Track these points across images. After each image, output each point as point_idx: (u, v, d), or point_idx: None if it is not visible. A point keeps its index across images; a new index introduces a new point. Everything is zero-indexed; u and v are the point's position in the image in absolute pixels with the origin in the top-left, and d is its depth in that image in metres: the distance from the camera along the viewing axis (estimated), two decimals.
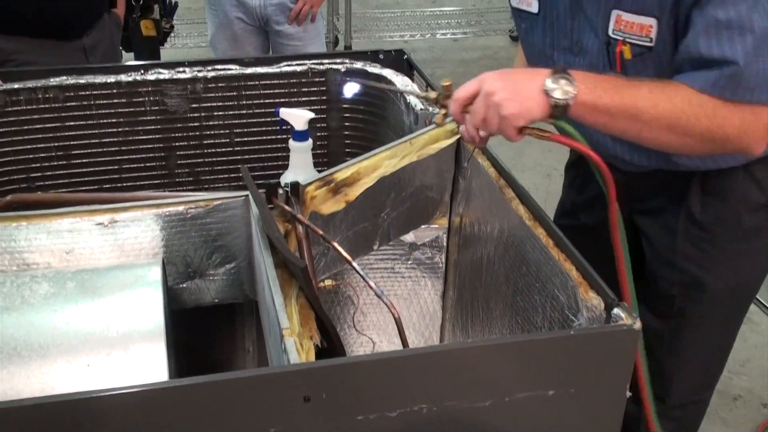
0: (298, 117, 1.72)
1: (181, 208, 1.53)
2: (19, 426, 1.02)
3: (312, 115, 1.73)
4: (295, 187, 1.57)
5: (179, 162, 2.26)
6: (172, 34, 4.24)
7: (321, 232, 1.47)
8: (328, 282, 1.52)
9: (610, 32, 1.45)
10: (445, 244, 2.03)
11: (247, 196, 1.57)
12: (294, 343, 1.17)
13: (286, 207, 1.51)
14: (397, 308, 1.87)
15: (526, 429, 1.17)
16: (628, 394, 1.27)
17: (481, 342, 1.19)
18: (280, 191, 1.55)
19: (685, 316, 1.72)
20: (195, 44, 4.74)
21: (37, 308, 1.29)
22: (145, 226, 1.52)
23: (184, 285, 1.62)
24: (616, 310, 1.24)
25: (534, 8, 1.61)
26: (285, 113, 1.72)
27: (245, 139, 2.27)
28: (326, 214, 1.60)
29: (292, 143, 1.74)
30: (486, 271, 1.79)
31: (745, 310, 1.78)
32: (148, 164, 2.23)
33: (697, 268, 1.65)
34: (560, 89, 1.27)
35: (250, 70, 2.19)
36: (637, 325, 1.22)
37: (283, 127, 1.72)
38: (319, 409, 1.13)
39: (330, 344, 1.26)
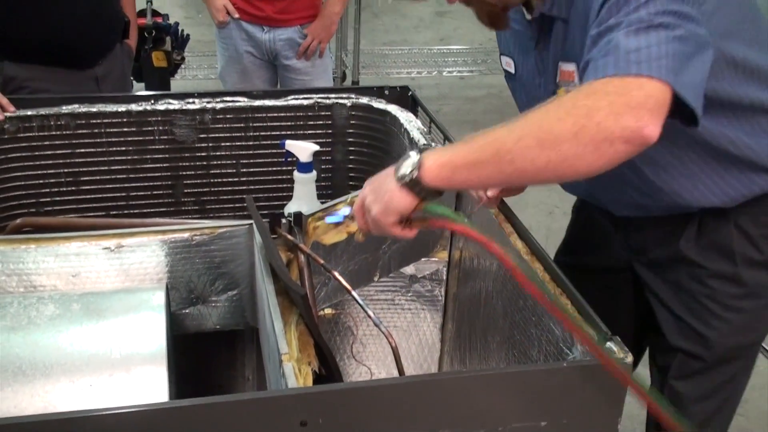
0: (303, 149, 1.76)
1: (186, 234, 1.57)
2: None
3: (316, 147, 1.77)
4: (298, 217, 1.61)
5: (186, 191, 2.30)
6: (182, 66, 4.33)
7: (322, 261, 1.50)
8: (328, 311, 1.55)
9: (557, 83, 1.50)
10: (444, 277, 2.06)
11: (251, 225, 1.61)
12: (292, 368, 1.19)
13: (289, 236, 1.55)
14: (396, 339, 1.89)
15: None
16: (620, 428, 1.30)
17: (475, 372, 1.21)
18: (284, 221, 1.59)
19: (690, 374, 1.68)
20: (205, 76, 4.82)
21: (43, 329, 1.32)
22: (150, 251, 1.56)
23: (187, 310, 1.65)
24: (608, 344, 1.27)
25: (512, 69, 1.66)
26: (290, 145, 1.76)
27: (251, 169, 2.31)
28: (328, 244, 1.64)
29: (296, 174, 1.78)
30: (484, 305, 1.82)
31: (751, 367, 1.73)
32: (155, 192, 2.28)
33: (699, 324, 1.62)
34: (406, 166, 1.22)
35: (257, 103, 2.24)
36: (629, 358, 1.25)
37: (289, 159, 1.76)
38: None
39: (328, 371, 1.29)
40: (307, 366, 1.24)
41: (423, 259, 2.01)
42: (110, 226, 1.61)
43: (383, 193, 1.25)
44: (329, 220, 1.52)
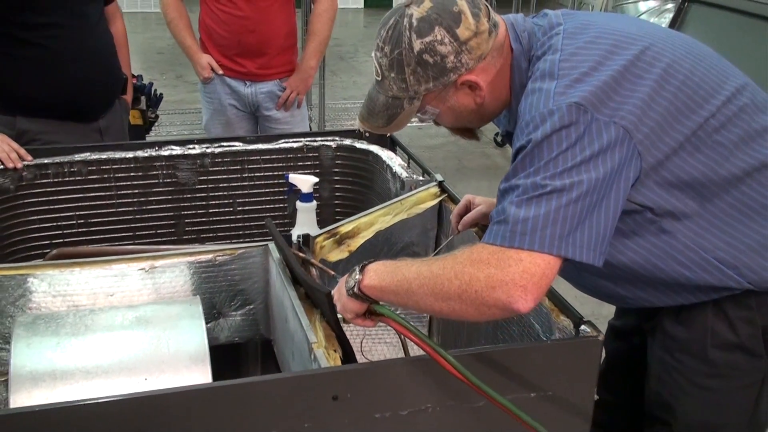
0: (305, 181, 2.00)
1: (210, 256, 1.79)
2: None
3: (316, 180, 2.01)
4: (306, 238, 1.84)
5: (187, 229, 2.51)
6: (156, 124, 4.56)
7: (333, 273, 1.73)
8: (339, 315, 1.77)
9: None
10: None
11: (266, 245, 1.83)
12: (323, 353, 1.42)
13: (301, 254, 1.78)
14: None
15: (515, 426, 1.41)
16: (596, 396, 1.54)
17: (474, 350, 1.43)
18: (294, 241, 1.83)
19: None
20: (178, 132, 5.05)
21: (100, 335, 1.53)
22: (179, 271, 1.77)
23: (209, 324, 1.85)
24: (583, 327, 1.51)
25: None
26: (293, 178, 2.00)
27: (246, 207, 2.54)
28: (333, 261, 1.87)
29: (299, 204, 2.01)
30: None
31: None
32: (159, 231, 2.48)
33: (667, 395, 1.60)
34: (351, 281, 1.43)
35: (252, 147, 2.48)
36: (601, 337, 1.49)
37: (293, 190, 1.99)
38: (344, 408, 1.37)
39: (346, 359, 1.51)
40: (334, 352, 1.46)
41: None
42: (141, 251, 1.82)
43: (341, 296, 1.46)
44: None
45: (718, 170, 1.39)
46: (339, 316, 1.53)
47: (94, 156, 2.35)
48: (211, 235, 2.54)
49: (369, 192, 2.55)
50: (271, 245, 1.83)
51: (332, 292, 1.52)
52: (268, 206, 2.56)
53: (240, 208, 2.54)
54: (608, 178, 1.29)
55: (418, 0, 1.44)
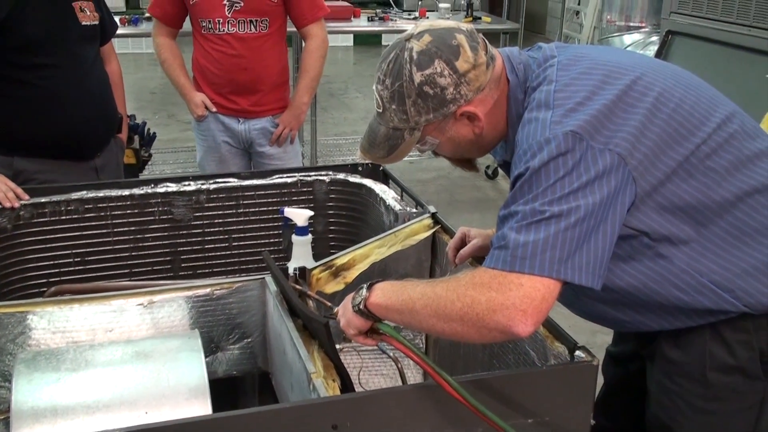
0: (300, 215, 2.03)
1: (207, 290, 1.81)
2: None
3: (311, 213, 2.03)
4: (303, 271, 1.86)
5: (183, 264, 2.53)
6: (149, 162, 4.59)
7: (330, 304, 1.75)
8: (339, 347, 1.78)
9: None
10: None
11: (263, 278, 1.85)
12: (322, 383, 1.43)
13: (297, 286, 1.80)
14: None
15: None
16: (592, 422, 1.55)
17: (472, 377, 1.45)
18: (291, 274, 1.85)
19: None
20: (172, 170, 5.08)
21: (100, 370, 1.54)
22: (177, 305, 1.79)
23: (207, 359, 1.86)
24: (577, 352, 1.54)
25: None
26: (288, 212, 2.02)
27: (241, 242, 2.56)
28: (329, 293, 1.89)
29: (294, 237, 2.04)
30: (464, 345, 2.08)
31: None
32: (155, 267, 2.50)
33: (667, 419, 1.61)
34: (357, 298, 1.47)
35: (246, 182, 2.51)
36: (595, 362, 1.52)
37: (289, 224, 2.02)
38: None
39: (344, 389, 1.52)
40: (332, 381, 1.48)
41: None
42: (138, 287, 1.84)
43: (346, 312, 1.51)
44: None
45: (712, 195, 1.43)
46: (338, 345, 1.56)
47: (91, 194, 2.37)
48: (207, 270, 2.56)
49: (363, 225, 2.58)
50: (268, 278, 1.86)
51: (337, 309, 1.56)
52: (263, 240, 2.58)
53: (236, 243, 2.56)
54: (605, 203, 1.33)
55: (417, 34, 1.49)
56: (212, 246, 2.54)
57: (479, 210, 5.10)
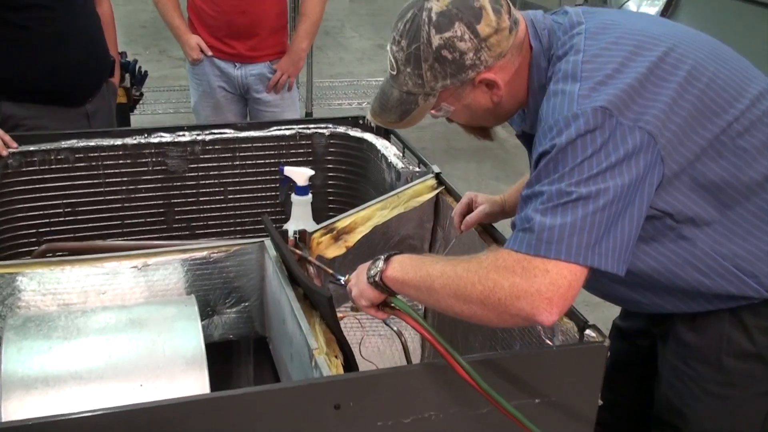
0: (300, 174, 1.95)
1: (204, 253, 1.74)
2: None
3: (312, 172, 1.96)
4: (303, 234, 1.80)
5: (176, 217, 2.46)
6: (141, 102, 4.48)
7: (331, 271, 1.69)
8: (340, 315, 1.73)
9: None
10: None
11: (261, 242, 1.79)
12: (324, 360, 1.38)
13: (298, 251, 1.74)
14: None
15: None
16: (600, 402, 1.51)
17: (479, 356, 1.40)
18: (291, 237, 1.78)
19: None
20: (163, 110, 4.96)
21: (93, 338, 1.48)
22: (172, 269, 1.72)
23: (203, 322, 1.81)
24: (588, 331, 1.49)
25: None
26: (289, 171, 1.95)
27: (237, 195, 2.49)
28: (330, 258, 1.83)
29: (294, 197, 1.97)
30: None
31: None
32: (148, 219, 2.43)
33: (678, 401, 1.57)
34: (374, 269, 1.41)
35: (243, 134, 2.42)
36: (606, 342, 1.47)
37: (287, 184, 1.95)
38: (347, 416, 1.34)
39: (347, 364, 1.48)
40: (335, 358, 1.42)
41: None
42: (133, 248, 1.77)
43: (360, 282, 1.45)
44: (339, 284, 1.68)
45: (740, 176, 1.36)
46: (341, 314, 1.50)
47: (82, 143, 2.29)
48: (201, 223, 2.49)
49: (363, 181, 2.51)
50: (267, 241, 1.79)
51: (350, 277, 1.50)
52: (259, 194, 2.51)
53: (231, 196, 2.49)
54: (633, 185, 1.26)
55: None
56: (207, 199, 2.47)
57: (476, 159, 5.02)
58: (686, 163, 1.33)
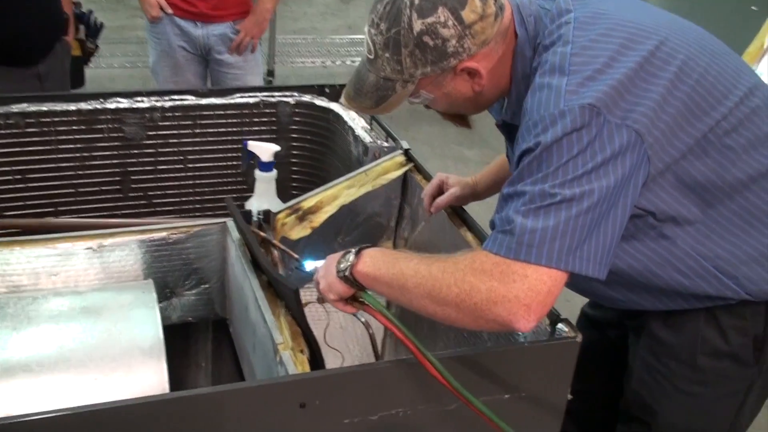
0: (265, 149, 1.87)
1: (164, 234, 1.66)
2: None
3: (278, 148, 1.88)
4: (267, 215, 1.73)
5: (133, 186, 2.36)
6: (95, 54, 4.31)
7: (296, 256, 1.63)
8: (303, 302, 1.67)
9: None
10: None
11: (224, 223, 1.71)
12: (290, 356, 1.32)
13: (262, 233, 1.67)
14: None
15: (486, 428, 1.35)
16: (569, 396, 1.49)
17: (448, 353, 1.37)
18: (254, 219, 1.71)
19: None
20: (120, 64, 4.78)
21: (44, 327, 1.40)
22: (129, 250, 1.64)
23: (161, 304, 1.74)
24: (560, 325, 1.45)
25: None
26: (253, 146, 1.87)
27: (198, 165, 2.40)
28: (294, 239, 1.77)
29: (258, 173, 1.89)
30: None
31: None
32: (103, 188, 2.33)
33: (648, 397, 1.55)
34: (344, 262, 1.35)
35: (205, 101, 2.33)
36: (579, 338, 1.44)
37: (250, 161, 1.86)
38: (313, 415, 1.29)
39: (313, 359, 1.42)
40: (300, 353, 1.37)
41: None
42: (88, 227, 1.69)
43: (329, 275, 1.39)
44: (302, 271, 1.63)
45: (724, 175, 1.32)
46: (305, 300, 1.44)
47: (33, 107, 2.17)
48: (159, 193, 2.40)
49: (328, 152, 2.43)
50: (230, 222, 1.71)
51: (323, 266, 1.43)
52: (220, 163, 2.42)
53: (191, 165, 2.40)
54: (618, 186, 1.21)
55: None
56: (165, 167, 2.37)
57: (440, 123, 4.93)
58: (672, 161, 1.28)
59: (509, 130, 1.49)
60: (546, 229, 1.18)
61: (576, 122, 1.19)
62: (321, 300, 1.44)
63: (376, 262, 1.33)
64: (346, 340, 1.88)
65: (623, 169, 1.21)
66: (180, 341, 2.10)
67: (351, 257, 1.35)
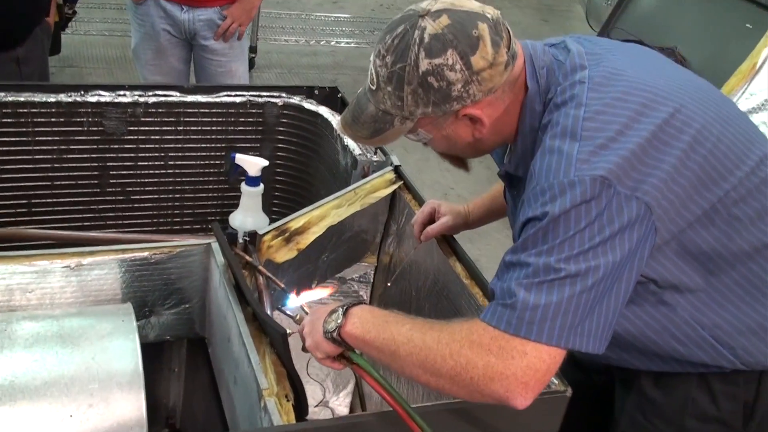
0: (252, 163, 1.81)
1: (145, 253, 1.60)
2: None
3: (266, 162, 1.81)
4: (253, 236, 1.67)
5: (111, 181, 2.29)
6: (73, 19, 4.17)
7: (283, 286, 1.58)
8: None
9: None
10: (372, 279, 2.18)
11: (208, 244, 1.66)
12: (275, 404, 1.29)
13: (248, 257, 1.62)
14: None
15: None
16: None
17: (440, 404, 1.34)
18: (240, 241, 1.66)
19: None
20: (98, 32, 4.63)
21: (18, 356, 1.34)
22: (109, 269, 1.58)
23: (138, 323, 1.68)
24: None
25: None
26: (240, 159, 1.80)
27: (179, 162, 2.33)
28: (280, 262, 1.72)
29: (244, 187, 1.82)
30: (413, 305, 1.95)
31: None
32: (80, 182, 2.26)
33: None
34: (332, 323, 1.31)
35: (190, 98, 2.25)
36: (569, 392, 1.41)
37: (237, 174, 1.80)
38: None
39: (298, 405, 1.38)
40: (285, 400, 1.33)
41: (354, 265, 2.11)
42: (64, 239, 1.63)
43: (315, 333, 1.34)
44: (286, 309, 1.57)
45: (729, 245, 1.29)
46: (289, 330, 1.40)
47: (10, 97, 2.09)
48: (138, 188, 2.34)
49: (314, 157, 2.38)
50: (214, 245, 1.66)
51: (307, 321, 1.39)
52: (202, 162, 2.36)
53: (171, 162, 2.33)
54: (624, 260, 1.17)
55: (435, 12, 1.26)
56: (146, 164, 2.31)
57: None
58: (678, 231, 1.25)
59: (511, 178, 1.44)
60: (549, 306, 1.14)
61: (586, 194, 1.16)
62: (305, 349, 1.39)
63: (365, 324, 1.28)
64: (327, 369, 1.84)
65: (630, 243, 1.17)
66: (155, 364, 2.03)
67: (339, 317, 1.30)
